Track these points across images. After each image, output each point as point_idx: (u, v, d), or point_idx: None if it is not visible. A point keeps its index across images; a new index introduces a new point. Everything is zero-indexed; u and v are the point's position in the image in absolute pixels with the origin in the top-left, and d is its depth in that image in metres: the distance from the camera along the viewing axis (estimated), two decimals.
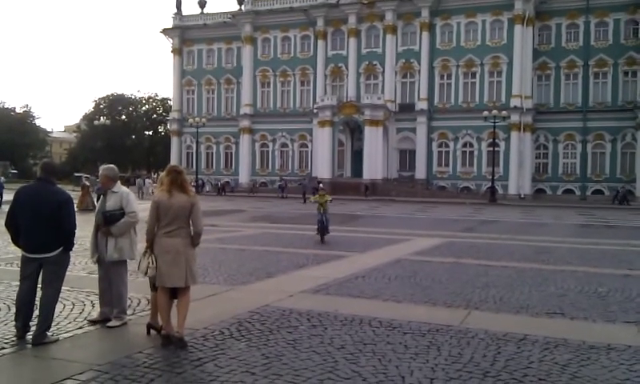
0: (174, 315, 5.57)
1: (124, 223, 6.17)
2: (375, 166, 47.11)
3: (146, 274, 5.62)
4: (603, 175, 46.36)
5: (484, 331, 6.12)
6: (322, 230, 14.88)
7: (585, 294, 8.36)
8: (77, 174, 55.97)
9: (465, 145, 49.08)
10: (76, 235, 5.80)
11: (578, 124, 46.83)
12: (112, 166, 6.53)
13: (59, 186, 5.94)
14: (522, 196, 45.72)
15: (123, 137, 74.81)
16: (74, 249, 5.87)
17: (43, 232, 5.46)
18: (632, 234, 19.56)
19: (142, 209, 6.61)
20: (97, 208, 6.50)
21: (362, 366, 4.97)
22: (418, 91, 50.06)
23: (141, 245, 6.12)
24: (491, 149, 44.59)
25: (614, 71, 46.45)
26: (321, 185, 19.50)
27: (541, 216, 28.59)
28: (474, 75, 48.89)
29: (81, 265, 9.68)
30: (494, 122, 41.39)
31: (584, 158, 46.74)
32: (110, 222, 6.16)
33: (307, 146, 54.23)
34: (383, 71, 51.14)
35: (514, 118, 46.01)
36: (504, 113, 43.10)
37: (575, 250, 14.19)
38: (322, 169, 48.66)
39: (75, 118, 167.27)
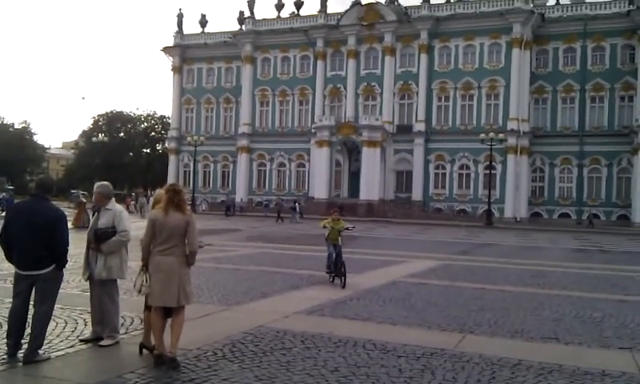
0: (167, 335, 5.53)
1: (115, 241, 6.15)
2: (372, 187, 47.15)
3: (139, 292, 5.60)
4: (599, 199, 46.45)
5: (478, 355, 6.09)
6: (337, 267, 10.88)
7: (580, 319, 8.34)
8: (73, 191, 55.87)
9: (461, 167, 49.21)
10: (69, 253, 5.78)
11: (574, 148, 47.05)
12: (106, 183, 6.52)
13: (54, 202, 5.93)
14: (518, 219, 45.73)
15: (121, 154, 74.92)
16: (67, 266, 5.84)
17: (36, 249, 5.44)
18: (626, 259, 19.57)
19: (137, 227, 6.59)
20: (90, 225, 6.49)
21: None
22: (416, 113, 50.31)
23: (135, 263, 6.10)
24: (488, 171, 44.74)
25: (611, 96, 46.76)
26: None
27: (536, 240, 28.59)
28: (471, 98, 49.18)
29: (74, 282, 9.62)
30: (491, 145, 41.59)
31: (580, 182, 46.88)
32: (100, 239, 6.14)
33: (305, 166, 54.32)
34: (381, 92, 51.44)
35: (511, 141, 46.20)
36: (501, 136, 43.33)
37: (570, 274, 14.18)
38: (319, 189, 48.79)
39: (73, 134, 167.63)
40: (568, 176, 47.68)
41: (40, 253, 5.45)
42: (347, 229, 11.53)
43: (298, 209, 39.87)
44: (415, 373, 5.45)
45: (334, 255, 10.95)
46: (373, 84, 51.94)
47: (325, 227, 11.50)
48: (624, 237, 33.04)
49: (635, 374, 5.67)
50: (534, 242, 26.84)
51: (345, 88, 52.81)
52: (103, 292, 6.21)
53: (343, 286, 10.50)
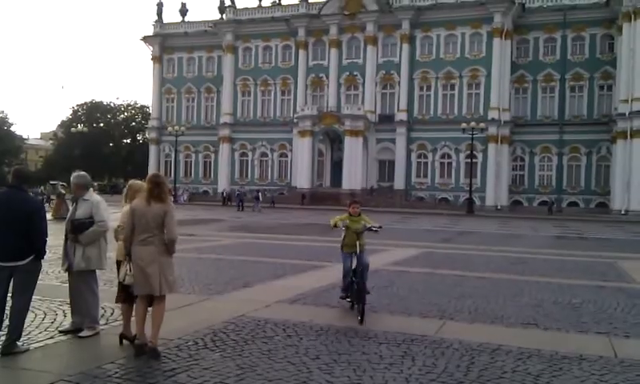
0: (147, 325, 5.51)
1: (92, 232, 6.09)
2: (355, 176, 47.28)
3: (124, 281, 5.57)
4: (579, 187, 47.08)
5: (458, 341, 6.16)
6: (354, 289, 7.32)
7: (559, 305, 8.44)
8: (52, 182, 55.14)
9: (443, 156, 49.49)
10: (48, 243, 5.72)
11: (554, 137, 47.55)
12: (83, 173, 6.44)
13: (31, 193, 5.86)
14: (499, 207, 46.19)
15: (101, 144, 74.12)
16: (45, 257, 5.78)
17: (13, 240, 5.36)
18: (605, 245, 19.84)
19: (116, 218, 6.54)
20: (68, 216, 6.43)
21: (337, 377, 4.96)
22: (398, 102, 50.43)
23: (114, 253, 6.08)
24: (469, 160, 45.05)
25: (590, 85, 47.31)
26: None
27: (517, 227, 28.88)
28: (452, 87, 49.40)
29: (53, 274, 9.54)
30: (472, 134, 41.84)
31: (560, 170, 47.44)
32: (78, 230, 6.09)
33: (287, 156, 54.26)
34: (363, 82, 51.47)
35: (492, 130, 46.53)
36: (482, 125, 43.62)
37: (550, 261, 14.33)
38: (302, 178, 48.87)
39: (52, 125, 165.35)
40: (548, 164, 48.22)
41: (18, 244, 5.38)
42: (370, 229, 7.62)
43: (260, 198, 40.38)
44: (396, 359, 5.50)
45: (352, 271, 7.37)
46: (355, 73, 51.94)
47: (336, 227, 7.54)
48: (602, 224, 33.50)
49: (611, 358, 5.77)
50: (515, 230, 27.11)
51: (327, 77, 52.75)
52: (82, 283, 6.16)
53: (361, 321, 6.88)
